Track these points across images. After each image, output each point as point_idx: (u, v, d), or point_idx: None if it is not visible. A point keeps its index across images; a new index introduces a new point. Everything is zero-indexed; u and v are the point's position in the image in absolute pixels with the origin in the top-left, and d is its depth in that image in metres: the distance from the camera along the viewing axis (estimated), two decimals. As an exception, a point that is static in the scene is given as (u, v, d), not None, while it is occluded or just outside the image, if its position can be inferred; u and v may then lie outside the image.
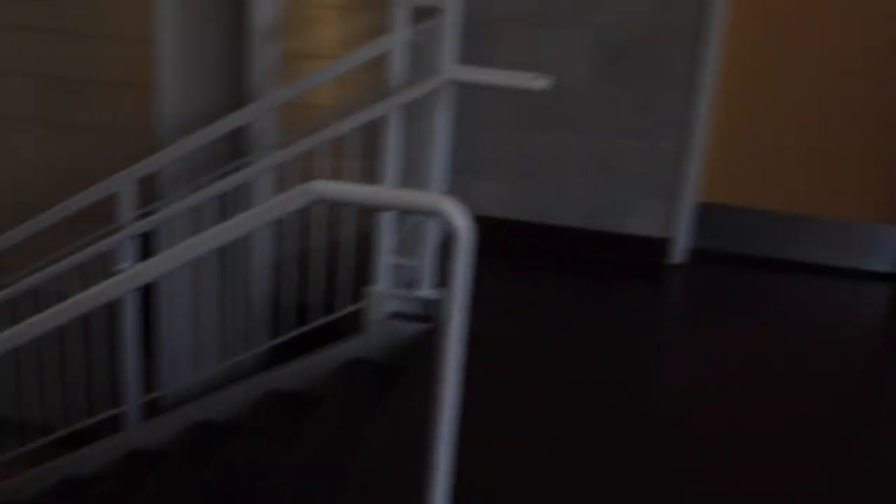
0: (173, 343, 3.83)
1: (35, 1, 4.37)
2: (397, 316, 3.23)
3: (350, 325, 3.32)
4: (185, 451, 3.39)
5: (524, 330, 3.43)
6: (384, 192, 2.07)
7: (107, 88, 4.39)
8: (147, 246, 3.47)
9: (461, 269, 1.90)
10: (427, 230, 3.24)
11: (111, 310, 3.36)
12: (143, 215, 3.51)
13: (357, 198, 2.05)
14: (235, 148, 3.69)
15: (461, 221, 1.90)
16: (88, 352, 3.86)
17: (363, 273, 3.29)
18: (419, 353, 2.99)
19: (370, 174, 3.17)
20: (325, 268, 3.42)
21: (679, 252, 4.08)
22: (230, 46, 3.78)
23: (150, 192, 3.67)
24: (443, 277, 2.04)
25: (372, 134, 3.18)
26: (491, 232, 4.20)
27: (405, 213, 2.99)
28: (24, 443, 3.77)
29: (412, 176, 3.29)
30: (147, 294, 3.66)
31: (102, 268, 3.27)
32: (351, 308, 3.32)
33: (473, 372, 2.06)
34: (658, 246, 4.08)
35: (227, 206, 3.27)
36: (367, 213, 3.25)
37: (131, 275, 2.40)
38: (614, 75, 3.93)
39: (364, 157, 3.23)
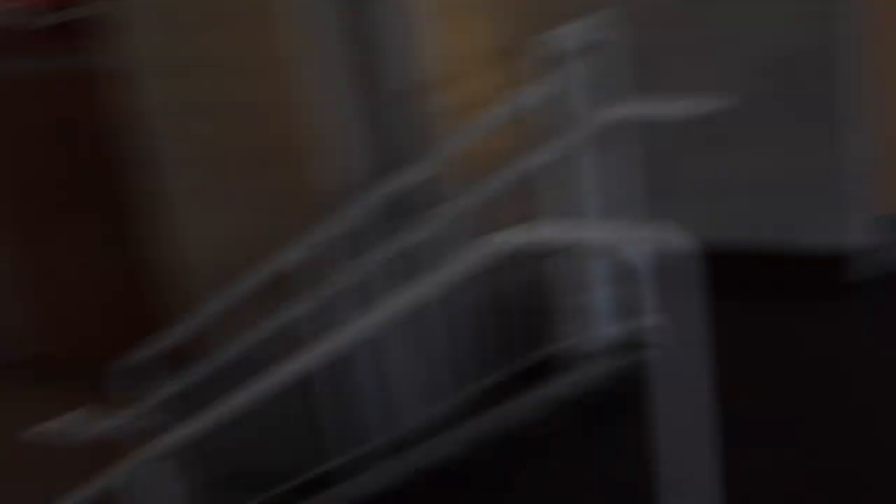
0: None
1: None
2: (612, 348, 3.22)
3: (557, 362, 3.32)
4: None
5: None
6: (586, 231, 2.09)
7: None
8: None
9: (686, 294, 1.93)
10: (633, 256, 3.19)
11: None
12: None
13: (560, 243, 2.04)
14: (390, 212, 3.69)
15: (681, 247, 1.93)
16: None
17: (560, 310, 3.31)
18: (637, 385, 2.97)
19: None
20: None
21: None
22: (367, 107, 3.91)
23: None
24: (651, 305, 2.07)
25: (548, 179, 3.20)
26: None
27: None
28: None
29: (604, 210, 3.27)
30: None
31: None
32: (559, 343, 3.30)
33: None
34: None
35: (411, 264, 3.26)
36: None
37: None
38: (772, 92, 3.88)
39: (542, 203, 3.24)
